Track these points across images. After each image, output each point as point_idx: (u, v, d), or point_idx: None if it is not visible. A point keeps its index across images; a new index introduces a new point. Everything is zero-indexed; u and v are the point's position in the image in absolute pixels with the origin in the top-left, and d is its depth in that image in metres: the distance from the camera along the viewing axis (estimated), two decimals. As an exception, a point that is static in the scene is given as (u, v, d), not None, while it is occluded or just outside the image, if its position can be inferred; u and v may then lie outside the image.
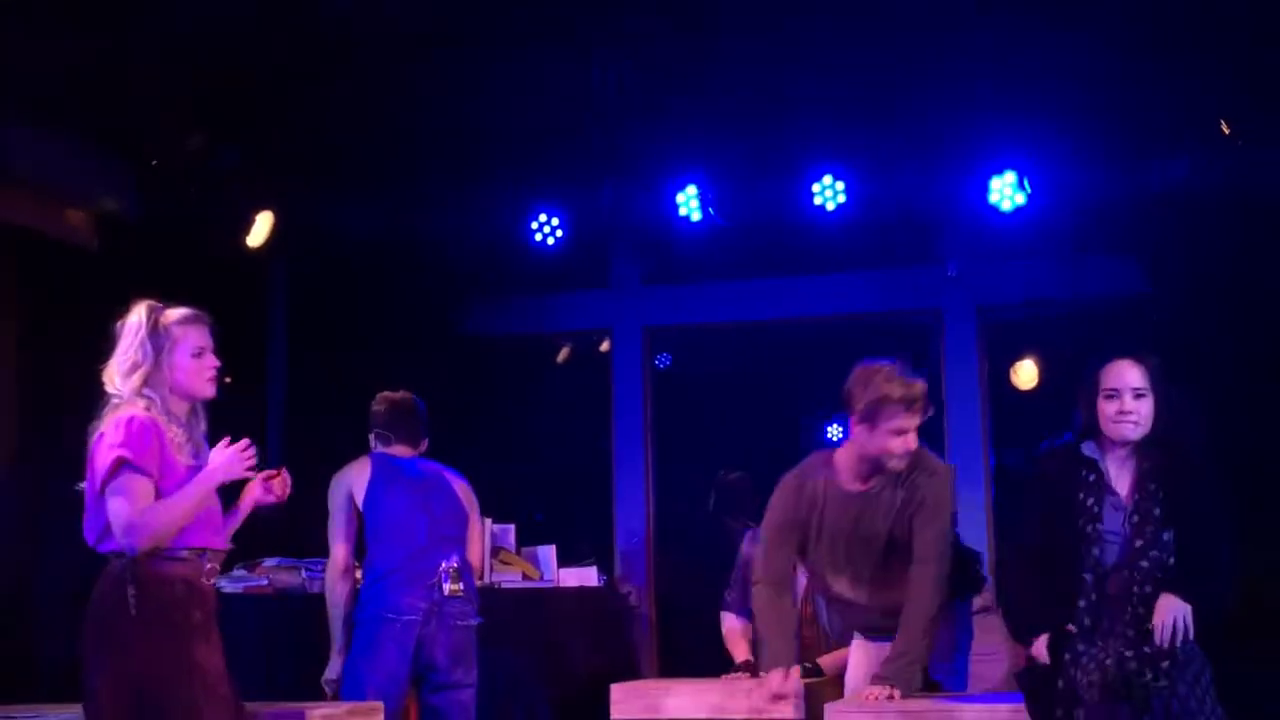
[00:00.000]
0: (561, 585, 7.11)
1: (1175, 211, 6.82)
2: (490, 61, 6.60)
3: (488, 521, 7.18)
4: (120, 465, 3.97)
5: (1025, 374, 8.78)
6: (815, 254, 7.77)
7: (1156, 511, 4.21)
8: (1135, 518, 4.22)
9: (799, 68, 6.56)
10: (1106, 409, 4.25)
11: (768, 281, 8.03)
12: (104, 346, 5.11)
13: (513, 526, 7.29)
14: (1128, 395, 4.23)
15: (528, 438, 8.68)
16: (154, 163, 7.13)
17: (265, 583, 6.99)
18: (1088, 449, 4.32)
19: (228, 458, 4.10)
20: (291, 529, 7.78)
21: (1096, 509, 4.24)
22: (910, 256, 7.87)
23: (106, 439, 4.01)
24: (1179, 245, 6.87)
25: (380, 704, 5.03)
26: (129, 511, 3.95)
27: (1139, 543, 4.19)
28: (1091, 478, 4.28)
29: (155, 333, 4.15)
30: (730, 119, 7.03)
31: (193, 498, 4.03)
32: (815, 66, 6.53)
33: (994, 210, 7.17)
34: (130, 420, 4.02)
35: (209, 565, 4.10)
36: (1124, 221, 7.10)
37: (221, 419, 8.15)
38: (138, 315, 4.17)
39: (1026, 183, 7.07)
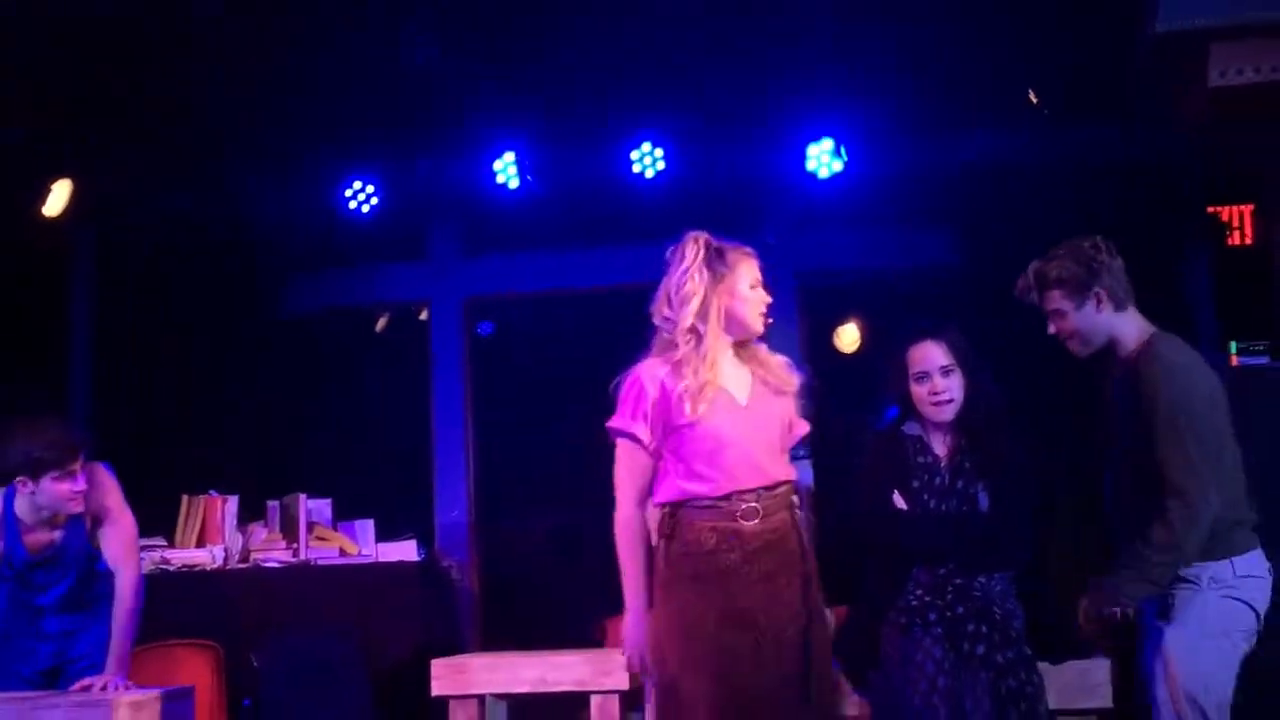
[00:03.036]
0: (380, 560, 7.04)
1: (986, 181, 6.98)
2: (298, 26, 6.46)
3: (302, 496, 7.10)
4: (612, 433, 3.98)
5: (847, 337, 8.93)
6: (636, 222, 7.74)
7: (967, 486, 4.32)
8: (953, 493, 4.32)
9: (616, 33, 6.54)
10: (919, 392, 4.34)
11: (588, 250, 8.00)
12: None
13: (329, 501, 7.20)
14: (937, 375, 4.33)
15: (346, 411, 8.57)
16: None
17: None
18: (910, 429, 4.40)
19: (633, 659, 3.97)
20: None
21: (928, 495, 4.32)
22: (730, 224, 7.79)
23: (622, 393, 3.98)
24: (989, 214, 7.02)
25: (192, 686, 4.94)
26: (621, 497, 3.99)
27: (945, 505, 4.30)
28: (921, 459, 4.35)
29: (713, 260, 3.97)
30: (547, 84, 6.97)
31: (630, 589, 3.97)
32: (632, 32, 6.52)
33: (812, 177, 7.26)
34: (634, 383, 3.95)
35: (745, 505, 3.87)
36: (938, 190, 7.24)
37: (18, 387, 7.93)
38: (694, 242, 3.99)
39: (844, 150, 7.16)
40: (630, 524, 3.99)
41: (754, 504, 3.89)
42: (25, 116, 6.94)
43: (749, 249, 4.08)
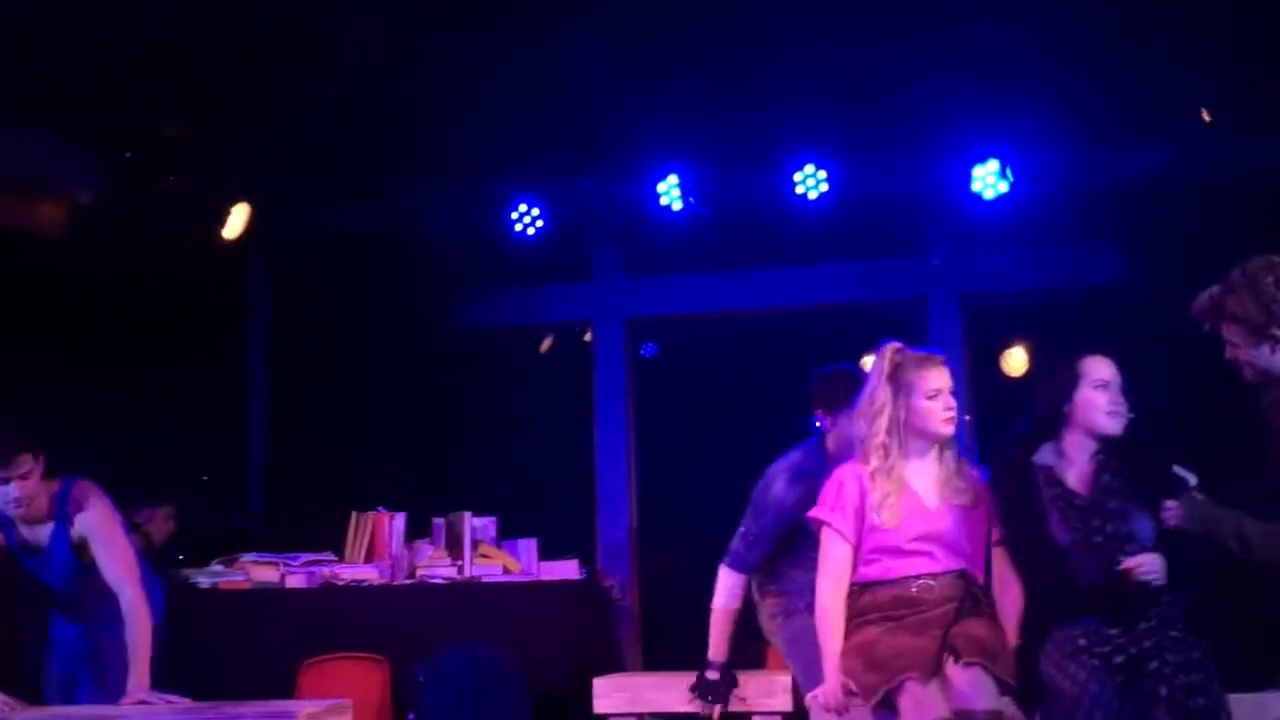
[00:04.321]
0: (543, 579, 7.07)
1: (1155, 199, 6.82)
2: (467, 53, 6.55)
3: (467, 514, 7.17)
4: (820, 525, 4.39)
5: (1015, 361, 8.75)
6: (798, 243, 7.73)
7: (1113, 504, 4.20)
8: (1095, 515, 4.20)
9: (779, 56, 6.53)
10: (1098, 400, 4.21)
11: (750, 272, 7.98)
12: (82, 333, 4.86)
13: (494, 519, 7.25)
14: (1115, 387, 4.22)
15: (512, 429, 8.66)
16: (128, 155, 7.07)
17: (243, 578, 6.95)
18: (1044, 457, 4.27)
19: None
20: (267, 527, 7.77)
21: (1065, 527, 4.21)
22: (894, 245, 7.84)
23: (825, 489, 4.42)
24: (1160, 232, 6.85)
25: (349, 700, 4.82)
26: (821, 580, 4.39)
27: (1099, 535, 4.18)
28: (1052, 491, 4.23)
29: (893, 376, 4.35)
30: (711, 107, 6.98)
31: (826, 643, 4.36)
32: (795, 54, 6.50)
33: (977, 199, 7.18)
34: (837, 482, 4.39)
35: (918, 585, 4.28)
36: (1105, 209, 7.09)
37: (199, 405, 8.17)
38: (881, 357, 4.38)
39: (1009, 171, 7.05)
40: (828, 608, 4.37)
41: (929, 582, 4.30)
42: (205, 141, 7.16)
43: (936, 355, 4.43)
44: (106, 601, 4.91)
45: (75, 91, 6.40)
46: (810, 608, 5.17)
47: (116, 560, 4.83)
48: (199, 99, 6.83)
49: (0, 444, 4.73)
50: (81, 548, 4.87)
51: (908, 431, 4.33)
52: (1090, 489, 4.21)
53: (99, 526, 4.86)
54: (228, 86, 6.72)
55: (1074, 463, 4.26)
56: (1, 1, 5.76)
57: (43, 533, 4.89)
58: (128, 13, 5.99)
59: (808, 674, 5.06)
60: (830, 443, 5.04)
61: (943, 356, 4.44)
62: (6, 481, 4.72)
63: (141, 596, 4.79)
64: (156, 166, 7.18)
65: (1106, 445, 4.25)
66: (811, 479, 4.97)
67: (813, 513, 4.43)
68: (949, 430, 4.35)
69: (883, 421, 4.32)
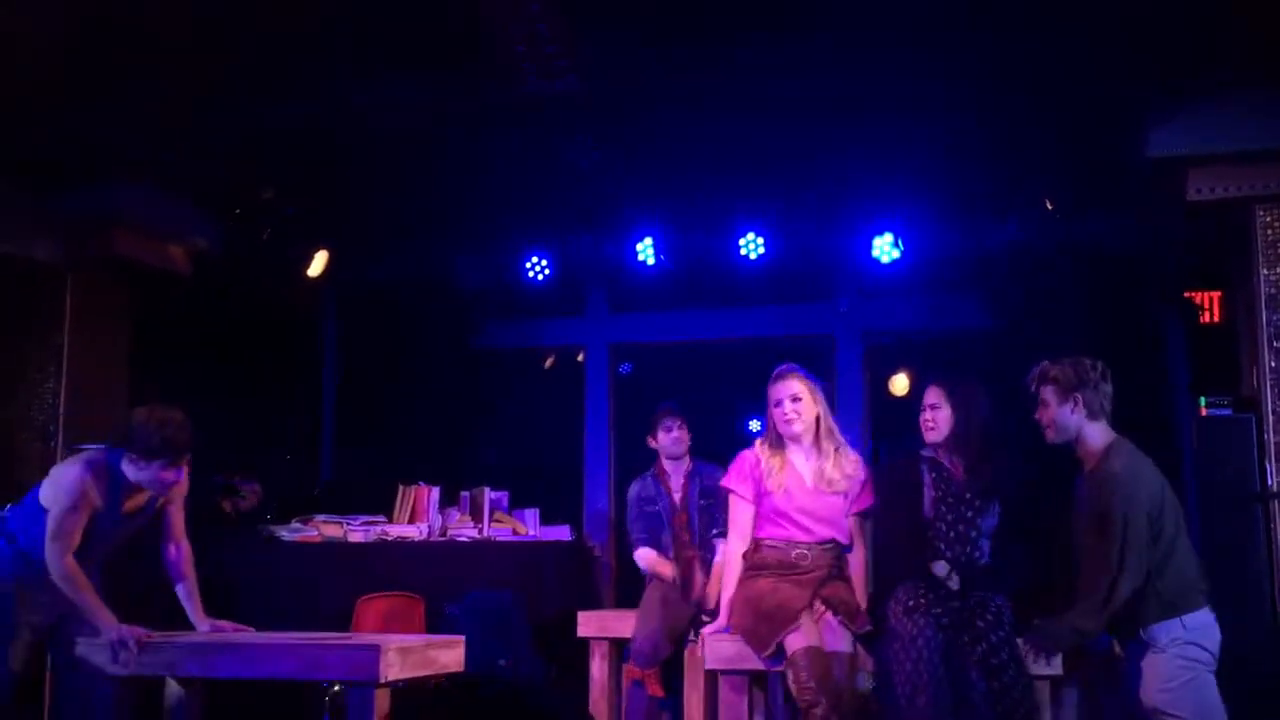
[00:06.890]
0: (543, 539, 7.09)
1: (1007, 262, 6.90)
2: (495, 147, 6.60)
3: (486, 489, 7.18)
4: (728, 492, 4.44)
5: (899, 385, 8.82)
6: (740, 291, 7.78)
7: (973, 508, 4.24)
8: (964, 505, 4.24)
9: (731, 152, 6.58)
10: (925, 418, 4.35)
11: (704, 311, 8.02)
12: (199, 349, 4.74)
13: (506, 493, 7.27)
14: (928, 409, 4.30)
15: (522, 427, 8.66)
16: (237, 211, 7.09)
17: (315, 533, 6.95)
18: (928, 453, 4.36)
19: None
20: (334, 494, 7.78)
21: (939, 506, 4.26)
22: (812, 295, 7.89)
23: (732, 467, 4.46)
24: (1010, 287, 6.93)
25: (461, 637, 4.72)
26: (731, 531, 4.42)
27: (961, 521, 4.23)
28: (934, 477, 4.28)
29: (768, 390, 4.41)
30: (677, 189, 7.04)
31: (725, 600, 4.43)
32: (744, 150, 6.55)
33: (876, 261, 7.22)
34: (740, 458, 4.44)
35: (797, 551, 4.32)
36: (970, 270, 7.17)
37: (286, 404, 8.14)
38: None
39: (900, 241, 7.12)
40: (734, 557, 4.40)
41: (805, 551, 4.32)
42: (294, 203, 7.18)
43: (778, 370, 4.44)
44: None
45: (200, 164, 6.43)
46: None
47: (182, 522, 4.59)
48: (291, 174, 6.86)
49: (186, 443, 4.35)
50: (157, 513, 4.54)
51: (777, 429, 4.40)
52: (965, 482, 4.25)
53: (180, 496, 4.58)
54: (313, 166, 6.76)
55: (943, 456, 4.32)
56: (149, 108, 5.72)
57: (143, 500, 4.47)
58: (241, 116, 6.03)
59: None
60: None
61: (786, 369, 4.43)
62: (179, 468, 4.36)
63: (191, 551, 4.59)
64: (257, 221, 7.19)
65: (956, 451, 4.30)
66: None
67: (723, 481, 4.46)
68: (787, 431, 4.37)
69: (768, 420, 4.42)
